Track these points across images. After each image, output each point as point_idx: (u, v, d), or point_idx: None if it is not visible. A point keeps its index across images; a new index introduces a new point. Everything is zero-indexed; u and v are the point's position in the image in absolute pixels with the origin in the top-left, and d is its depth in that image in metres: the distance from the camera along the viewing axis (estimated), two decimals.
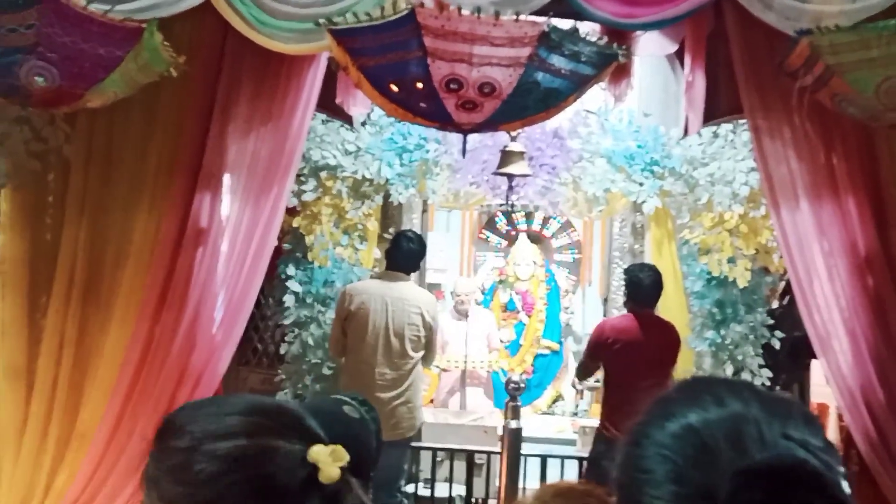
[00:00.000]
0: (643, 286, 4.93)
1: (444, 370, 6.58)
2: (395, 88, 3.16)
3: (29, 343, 4.14)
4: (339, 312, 4.94)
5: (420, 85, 3.06)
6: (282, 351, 5.39)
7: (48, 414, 4.08)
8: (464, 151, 3.48)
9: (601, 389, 5.51)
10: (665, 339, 4.94)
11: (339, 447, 1.12)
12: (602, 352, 4.97)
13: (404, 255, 4.97)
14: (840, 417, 4.88)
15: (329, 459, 1.10)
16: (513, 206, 6.40)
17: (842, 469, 0.86)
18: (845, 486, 0.84)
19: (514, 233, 7.78)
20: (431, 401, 6.64)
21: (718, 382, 0.94)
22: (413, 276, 5.95)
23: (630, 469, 0.91)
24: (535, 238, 7.73)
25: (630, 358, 4.83)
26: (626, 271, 5.20)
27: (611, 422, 4.91)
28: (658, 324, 5.02)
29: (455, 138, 5.31)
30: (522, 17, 2.99)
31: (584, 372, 5.31)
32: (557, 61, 3.04)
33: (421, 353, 4.94)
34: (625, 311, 5.09)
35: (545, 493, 1.61)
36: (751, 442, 0.85)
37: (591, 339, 5.17)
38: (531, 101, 3.13)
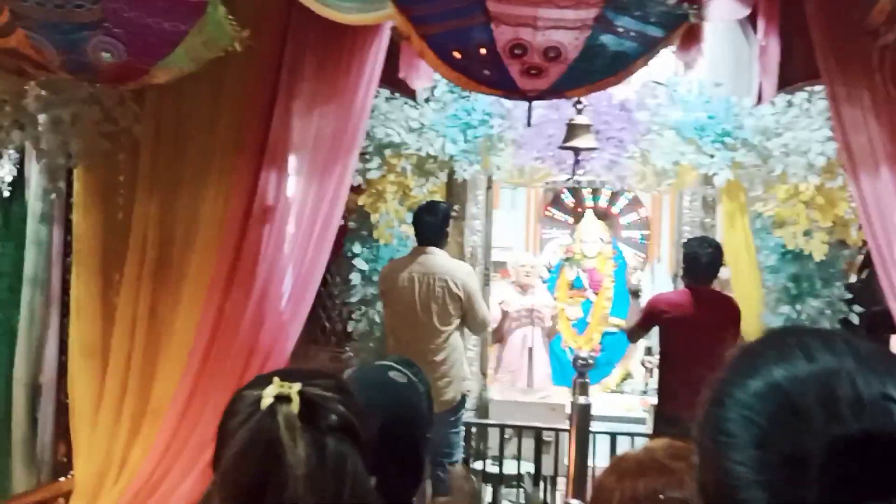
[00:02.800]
0: (701, 262, 4.88)
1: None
2: (458, 56, 3.11)
3: (103, 321, 4.23)
4: (379, 292, 5.05)
5: (483, 51, 3.00)
6: (349, 329, 5.40)
7: (122, 390, 4.15)
8: (528, 120, 3.41)
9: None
10: (721, 316, 4.84)
11: (284, 384, 1.32)
12: (653, 321, 4.94)
13: (425, 228, 4.98)
14: None
15: (269, 393, 1.31)
16: (578, 182, 6.31)
17: None
18: None
19: (580, 210, 7.68)
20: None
21: (809, 333, 0.86)
22: (479, 253, 5.93)
23: (711, 431, 0.84)
24: (602, 215, 7.63)
25: (683, 334, 4.78)
26: (685, 245, 5.15)
27: (667, 399, 4.85)
28: (716, 300, 4.94)
29: (520, 113, 5.23)
30: None
31: (632, 336, 5.29)
32: (625, 23, 2.95)
33: (453, 325, 4.90)
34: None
35: (657, 450, 1.54)
36: (845, 403, 0.76)
37: (644, 308, 5.16)
38: (598, 66, 3.05)
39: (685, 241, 5.48)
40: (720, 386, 0.86)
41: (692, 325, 4.77)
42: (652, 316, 5.03)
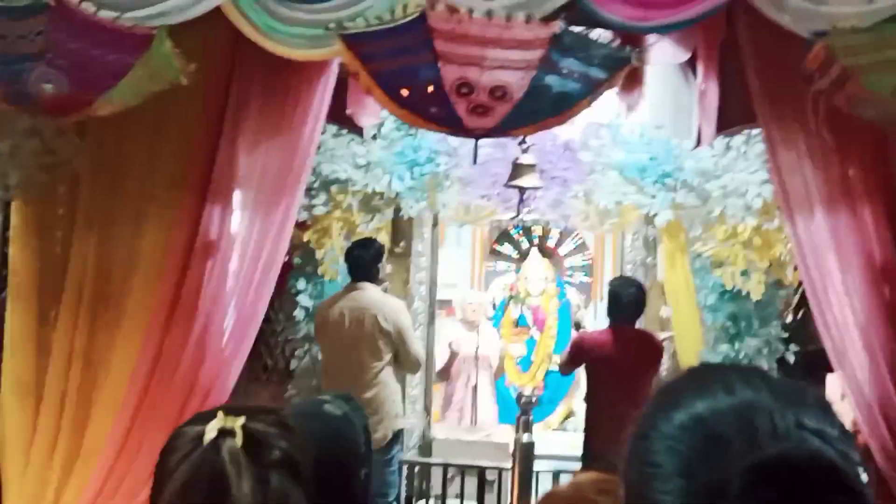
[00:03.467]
0: (621, 302, 4.97)
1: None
2: (405, 93, 3.14)
3: (37, 357, 4.11)
4: (314, 329, 5.06)
5: (431, 89, 3.04)
6: (292, 366, 5.35)
7: (56, 428, 4.03)
8: (475, 158, 3.45)
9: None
10: (642, 355, 4.93)
11: (228, 418, 1.30)
12: (578, 359, 5.03)
13: (356, 263, 4.97)
14: (856, 435, 4.82)
15: (213, 426, 1.29)
16: (523, 221, 6.37)
17: (858, 458, 0.81)
18: (863, 475, 0.80)
19: (525, 248, 7.74)
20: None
21: (728, 368, 0.89)
22: (422, 289, 5.94)
23: (637, 462, 0.86)
24: (546, 253, 7.69)
25: (605, 372, 4.87)
26: (609, 285, 5.24)
27: (592, 436, 4.91)
28: (637, 338, 5.02)
29: (466, 151, 5.29)
30: (534, 19, 2.97)
31: (561, 369, 5.34)
32: (569, 64, 3.01)
33: (384, 361, 4.88)
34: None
35: (585, 485, 1.55)
36: (763, 432, 0.80)
37: (570, 345, 5.23)
38: (543, 105, 3.10)
39: (610, 280, 5.56)
40: (645, 419, 0.88)
41: (614, 364, 4.84)
42: (577, 353, 5.11)
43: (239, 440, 1.28)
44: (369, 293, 4.95)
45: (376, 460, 4.72)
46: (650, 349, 4.96)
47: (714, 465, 0.79)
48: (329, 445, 1.79)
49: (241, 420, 1.31)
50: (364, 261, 4.97)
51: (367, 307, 4.86)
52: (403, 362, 4.98)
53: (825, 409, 0.84)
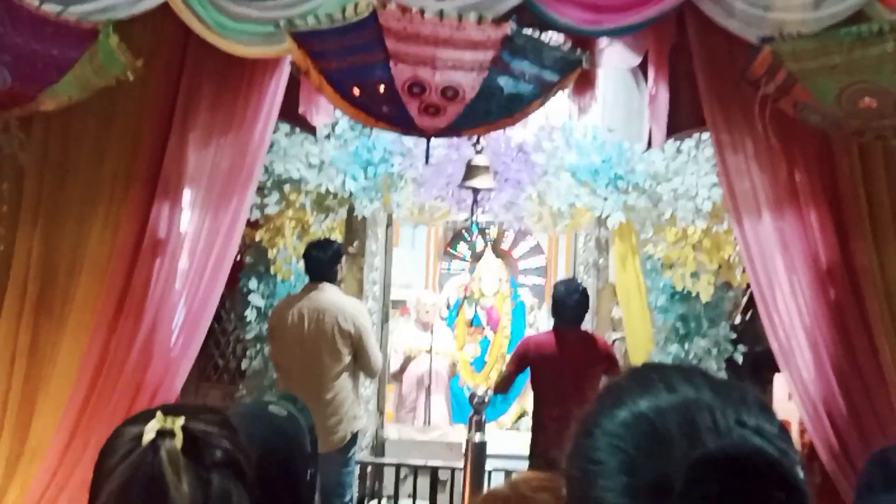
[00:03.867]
0: (565, 305, 5.00)
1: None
2: (357, 92, 3.13)
3: None
4: (268, 330, 4.99)
5: (382, 88, 3.03)
6: (243, 366, 5.30)
7: None
8: (426, 157, 3.44)
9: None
10: (586, 356, 4.95)
11: (167, 419, 1.27)
12: (521, 365, 5.03)
13: (314, 263, 4.92)
14: (802, 433, 4.91)
15: (151, 427, 1.26)
16: (476, 222, 6.39)
17: (796, 456, 0.84)
18: (800, 472, 0.82)
19: (479, 249, 7.77)
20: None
21: (670, 368, 0.91)
22: (376, 290, 5.92)
23: (580, 460, 0.87)
24: (500, 254, 7.73)
25: (549, 373, 4.90)
26: (553, 288, 5.26)
27: (538, 436, 4.94)
28: (582, 340, 5.05)
29: (420, 152, 5.28)
30: (485, 21, 2.97)
31: (502, 384, 5.26)
32: (521, 66, 3.02)
33: (343, 363, 4.83)
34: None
35: (521, 483, 1.56)
36: (704, 429, 0.81)
37: (514, 351, 5.24)
38: (494, 106, 3.11)
39: (554, 284, 5.58)
40: (588, 418, 0.89)
41: (558, 365, 4.87)
42: (521, 357, 5.10)
43: (179, 441, 1.26)
44: (328, 294, 4.90)
45: (335, 461, 4.72)
46: (594, 350, 4.99)
47: (657, 462, 0.81)
48: (274, 446, 1.79)
49: (181, 420, 1.28)
50: (322, 261, 4.92)
51: (326, 308, 4.81)
52: (363, 364, 4.93)
53: (764, 408, 0.86)
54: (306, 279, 5.28)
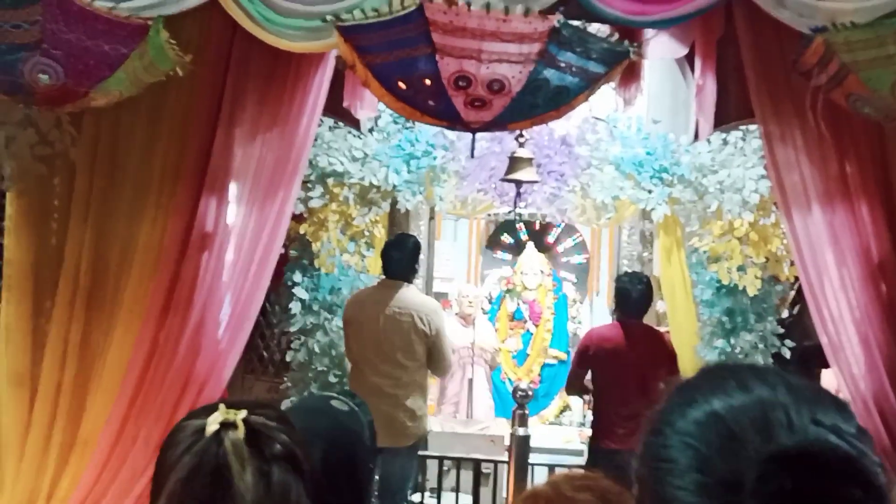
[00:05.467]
0: (631, 297, 4.99)
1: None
2: (402, 86, 3.13)
3: (32, 348, 4.10)
4: (343, 321, 5.01)
5: (428, 82, 3.02)
6: (287, 359, 5.34)
7: (51, 420, 4.03)
8: (472, 151, 3.44)
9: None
10: (652, 350, 4.94)
11: (230, 411, 1.31)
12: (587, 360, 5.01)
13: (390, 262, 4.97)
14: None
15: (215, 419, 1.30)
16: (519, 214, 6.37)
17: (876, 457, 0.82)
18: (881, 473, 0.80)
19: (522, 242, 7.75)
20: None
21: (743, 368, 0.90)
22: (418, 284, 5.93)
23: (651, 459, 0.87)
24: (543, 247, 7.70)
25: (615, 368, 4.87)
26: (617, 280, 5.25)
27: (600, 432, 4.91)
28: (646, 334, 5.03)
29: (463, 145, 5.29)
30: (532, 13, 2.95)
31: (571, 382, 5.26)
32: (568, 58, 3.00)
33: (418, 362, 4.87)
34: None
35: (562, 483, 1.55)
36: (779, 428, 0.80)
37: (578, 347, 5.22)
38: (541, 99, 3.09)
39: (617, 276, 5.57)
40: (659, 416, 0.89)
41: (622, 358, 4.84)
42: (584, 356, 5.08)
43: (241, 432, 1.29)
44: (407, 293, 4.95)
45: (403, 456, 4.76)
46: (659, 347, 4.96)
47: (730, 459, 0.80)
48: (337, 440, 1.82)
49: (243, 413, 1.31)
50: (400, 261, 4.97)
51: (403, 307, 4.85)
52: (435, 363, 4.97)
53: (841, 407, 0.85)
54: (350, 272, 5.32)
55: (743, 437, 0.81)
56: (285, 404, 4.83)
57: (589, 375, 5.16)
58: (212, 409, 1.34)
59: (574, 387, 5.30)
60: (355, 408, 1.91)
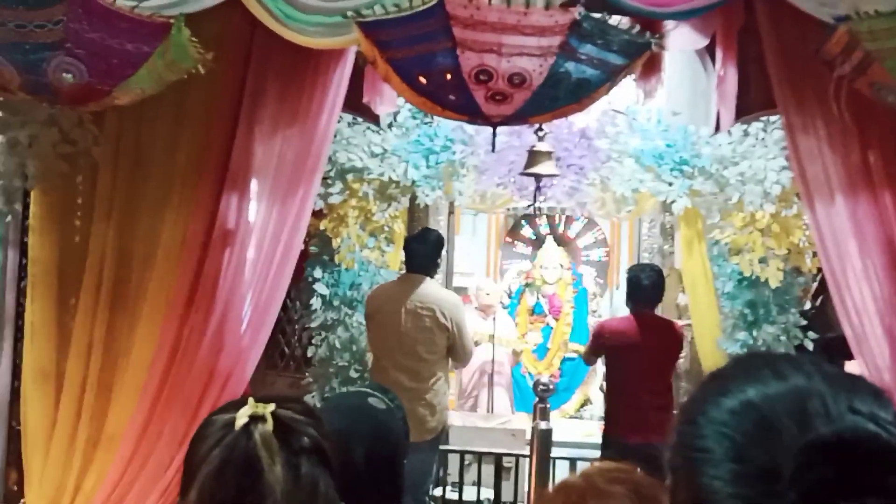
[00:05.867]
0: (642, 287, 4.99)
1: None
2: (423, 80, 3.13)
3: (58, 345, 4.13)
4: (365, 315, 5.03)
5: (449, 76, 3.02)
6: (309, 354, 5.36)
7: (77, 416, 4.06)
8: (493, 145, 3.43)
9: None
10: (663, 341, 4.94)
11: (259, 405, 1.34)
12: (600, 348, 5.04)
13: (412, 256, 4.99)
14: None
15: (244, 413, 1.33)
16: (539, 208, 6.36)
17: None
18: None
19: (542, 236, 7.74)
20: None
21: (777, 357, 0.89)
22: (439, 278, 5.94)
23: (686, 449, 0.86)
24: (562, 241, 7.69)
25: (627, 358, 4.87)
26: (628, 271, 5.26)
27: (613, 423, 4.91)
28: (658, 325, 5.03)
29: (482, 139, 5.29)
30: (553, 6, 2.95)
31: (586, 359, 5.39)
32: (588, 50, 2.99)
33: (439, 355, 4.89)
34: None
35: (595, 475, 1.55)
36: (816, 416, 0.80)
37: (591, 333, 5.25)
38: (562, 92, 3.08)
39: (629, 267, 5.57)
40: (692, 406, 0.88)
41: (636, 351, 4.85)
42: (598, 341, 5.12)
43: (270, 426, 1.30)
44: (428, 287, 4.97)
45: (424, 450, 4.78)
46: (671, 338, 4.96)
47: (766, 448, 0.80)
48: (379, 439, 1.86)
49: (272, 407, 1.33)
50: (421, 254, 4.99)
51: (425, 301, 4.87)
52: (456, 356, 5.01)
53: (878, 395, 0.84)
54: (370, 267, 5.34)
55: (779, 425, 0.80)
56: (308, 399, 4.86)
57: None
58: (240, 403, 1.36)
59: (590, 362, 5.43)
60: (391, 404, 1.93)
